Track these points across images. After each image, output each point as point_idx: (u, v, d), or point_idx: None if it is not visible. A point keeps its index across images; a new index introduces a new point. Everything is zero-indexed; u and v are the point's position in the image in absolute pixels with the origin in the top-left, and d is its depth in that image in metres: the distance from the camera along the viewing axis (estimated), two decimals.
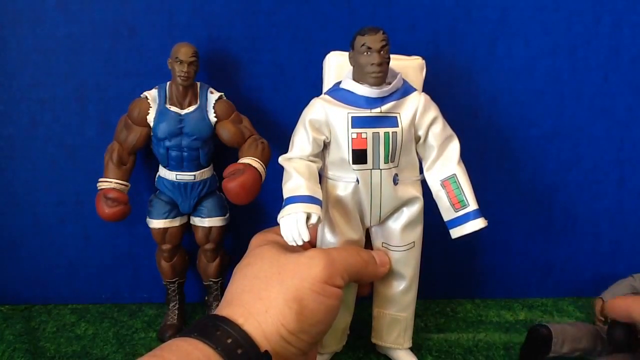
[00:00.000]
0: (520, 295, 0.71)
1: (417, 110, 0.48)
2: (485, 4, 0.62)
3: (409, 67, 0.51)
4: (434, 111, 0.49)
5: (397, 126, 0.47)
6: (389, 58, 0.47)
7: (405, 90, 0.48)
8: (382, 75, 0.46)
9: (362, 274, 0.49)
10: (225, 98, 0.59)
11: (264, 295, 0.41)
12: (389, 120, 0.47)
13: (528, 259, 0.70)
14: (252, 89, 0.63)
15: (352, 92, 0.47)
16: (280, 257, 0.45)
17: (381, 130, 0.47)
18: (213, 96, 0.58)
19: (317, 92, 0.64)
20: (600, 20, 0.63)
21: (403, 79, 0.49)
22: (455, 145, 0.50)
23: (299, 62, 0.62)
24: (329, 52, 0.53)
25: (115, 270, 0.68)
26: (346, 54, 0.49)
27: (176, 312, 0.63)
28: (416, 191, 0.51)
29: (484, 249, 0.69)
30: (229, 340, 0.38)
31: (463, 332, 0.64)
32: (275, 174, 0.59)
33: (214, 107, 0.57)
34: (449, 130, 0.50)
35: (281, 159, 0.49)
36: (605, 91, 0.65)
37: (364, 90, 0.46)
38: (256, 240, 0.50)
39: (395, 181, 0.49)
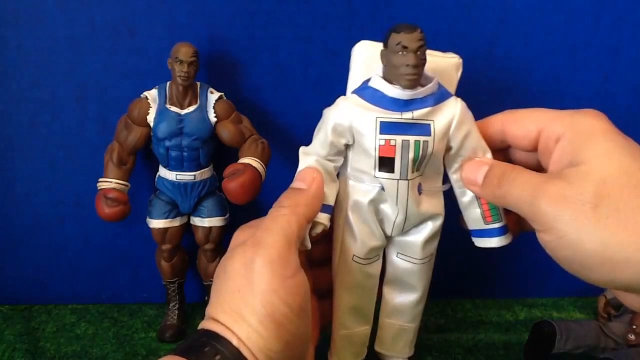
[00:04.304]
0: (520, 295, 0.71)
1: (453, 119, 0.43)
2: (485, 4, 0.62)
3: (442, 65, 0.46)
4: (469, 122, 0.43)
5: (430, 135, 0.42)
6: (425, 59, 0.42)
7: (442, 95, 0.43)
8: (417, 77, 0.41)
9: (305, 219, 0.41)
10: (225, 98, 0.59)
11: (243, 312, 0.37)
12: (422, 128, 0.42)
13: (528, 259, 0.70)
14: (252, 89, 0.63)
15: (382, 92, 0.42)
16: (232, 267, 0.39)
17: (412, 138, 0.42)
18: (213, 96, 0.58)
19: (317, 92, 0.64)
20: (600, 20, 0.63)
21: (439, 83, 0.44)
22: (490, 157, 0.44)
23: (299, 62, 0.62)
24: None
25: (115, 270, 0.68)
26: (377, 44, 0.44)
27: (176, 312, 0.63)
28: (439, 206, 0.47)
29: (484, 249, 0.69)
30: (218, 357, 0.35)
31: (463, 332, 0.64)
32: (275, 174, 0.59)
33: (214, 107, 0.57)
34: (483, 143, 0.44)
35: (300, 150, 0.45)
36: (605, 91, 0.65)
37: (394, 91, 0.42)
38: (235, 239, 0.43)
39: (419, 191, 0.45)
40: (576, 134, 0.34)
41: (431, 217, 0.47)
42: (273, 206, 0.42)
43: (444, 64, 0.47)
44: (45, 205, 0.65)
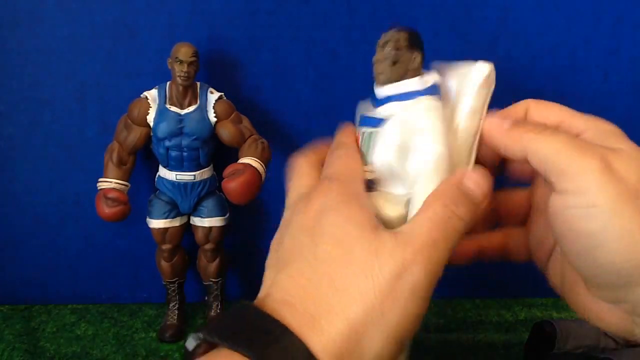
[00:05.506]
0: (520, 295, 0.71)
1: (406, 116, 0.40)
2: (485, 3, 0.62)
3: (463, 74, 0.43)
4: (422, 123, 0.39)
5: (378, 127, 0.40)
6: (393, 57, 0.42)
7: (417, 94, 0.41)
8: (381, 74, 0.42)
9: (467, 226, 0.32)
10: (225, 98, 0.59)
11: (360, 331, 0.27)
12: (378, 122, 0.41)
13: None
14: (252, 89, 0.63)
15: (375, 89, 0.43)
16: (374, 263, 0.28)
17: (367, 130, 0.42)
18: (213, 96, 0.58)
19: (318, 92, 0.64)
20: (600, 20, 0.63)
21: (432, 85, 0.42)
22: (422, 188, 0.37)
23: (299, 62, 0.62)
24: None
25: (115, 270, 0.68)
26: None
27: (176, 312, 0.63)
28: (399, 214, 0.40)
29: None
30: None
31: (463, 332, 0.64)
32: (275, 174, 0.59)
33: (214, 107, 0.57)
34: (437, 163, 0.38)
35: None
36: (605, 91, 0.65)
37: (375, 88, 0.43)
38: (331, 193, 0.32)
39: (370, 186, 0.40)
40: (600, 130, 0.32)
41: (397, 220, 0.41)
42: (438, 196, 0.33)
43: (464, 73, 0.44)
44: (45, 205, 0.65)
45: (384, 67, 0.43)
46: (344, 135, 0.40)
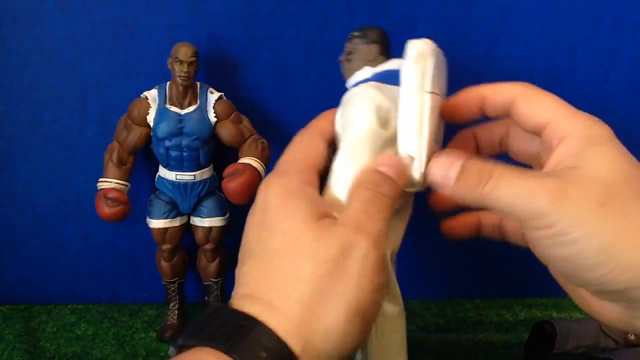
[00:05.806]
0: (520, 295, 0.71)
1: (343, 104, 0.41)
2: (485, 4, 0.62)
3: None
4: (347, 106, 0.39)
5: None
6: (349, 56, 0.45)
7: (362, 82, 0.42)
8: (343, 72, 0.46)
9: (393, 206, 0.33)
10: (225, 98, 0.59)
11: (318, 310, 0.28)
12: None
13: (528, 259, 0.70)
14: (252, 89, 0.63)
15: None
16: (321, 247, 0.30)
17: None
18: (213, 96, 0.58)
19: (318, 92, 0.64)
20: (600, 20, 0.63)
21: (381, 72, 0.42)
22: (337, 164, 0.37)
23: (299, 62, 0.62)
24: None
25: (115, 270, 0.68)
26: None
27: (176, 312, 0.63)
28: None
29: (484, 249, 0.69)
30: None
31: (463, 332, 0.64)
32: None
33: (214, 107, 0.58)
34: (351, 143, 0.37)
35: None
36: (605, 91, 0.65)
37: None
38: (270, 193, 0.33)
39: None
40: (585, 137, 0.32)
41: None
42: (361, 183, 0.33)
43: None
44: (45, 205, 0.65)
45: (344, 66, 0.45)
46: (319, 118, 0.41)
